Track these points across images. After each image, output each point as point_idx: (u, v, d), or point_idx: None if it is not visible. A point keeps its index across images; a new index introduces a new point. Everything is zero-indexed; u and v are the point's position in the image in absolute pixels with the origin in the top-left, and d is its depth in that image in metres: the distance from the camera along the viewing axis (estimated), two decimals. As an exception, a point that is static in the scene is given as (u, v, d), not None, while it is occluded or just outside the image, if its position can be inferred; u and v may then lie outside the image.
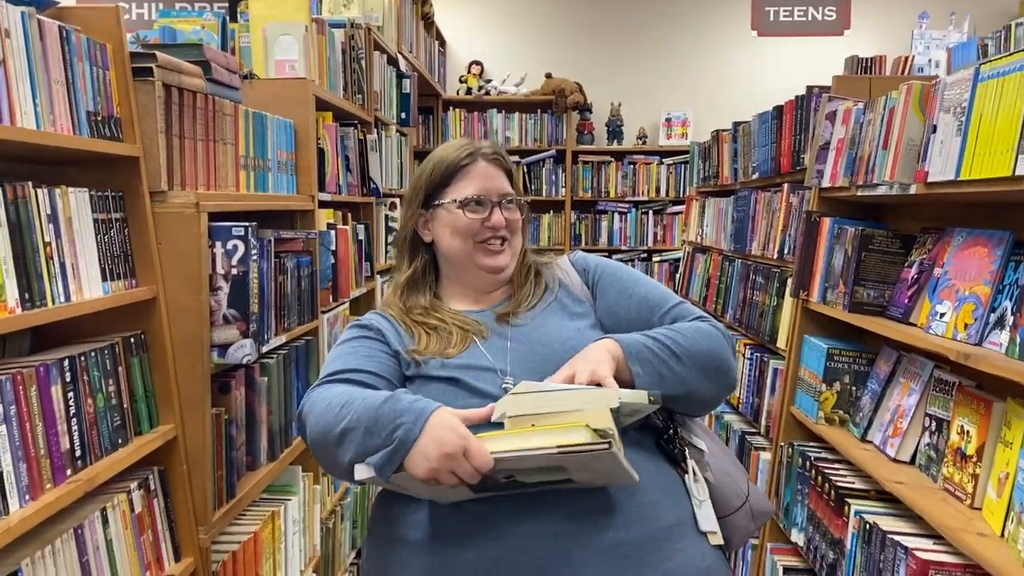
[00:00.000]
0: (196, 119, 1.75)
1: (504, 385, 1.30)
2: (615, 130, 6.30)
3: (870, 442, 2.08)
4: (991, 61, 1.52)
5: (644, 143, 6.32)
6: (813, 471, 2.22)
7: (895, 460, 1.92)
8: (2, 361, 1.33)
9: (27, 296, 1.25)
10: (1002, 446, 1.55)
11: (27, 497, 1.20)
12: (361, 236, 3.10)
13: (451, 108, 6.23)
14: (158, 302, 1.60)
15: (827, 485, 2.11)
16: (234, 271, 1.68)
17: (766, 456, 2.72)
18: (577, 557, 1.19)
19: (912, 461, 1.90)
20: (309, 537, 2.44)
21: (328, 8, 3.44)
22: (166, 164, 1.62)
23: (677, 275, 4.91)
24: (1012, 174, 1.39)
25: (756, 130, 3.16)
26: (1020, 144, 1.38)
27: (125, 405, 1.50)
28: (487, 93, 6.27)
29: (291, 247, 2.25)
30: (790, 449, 2.43)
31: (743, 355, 3.03)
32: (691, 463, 1.36)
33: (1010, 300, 1.59)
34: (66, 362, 1.33)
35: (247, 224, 1.70)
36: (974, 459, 1.63)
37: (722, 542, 1.34)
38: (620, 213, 6.24)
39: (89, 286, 1.42)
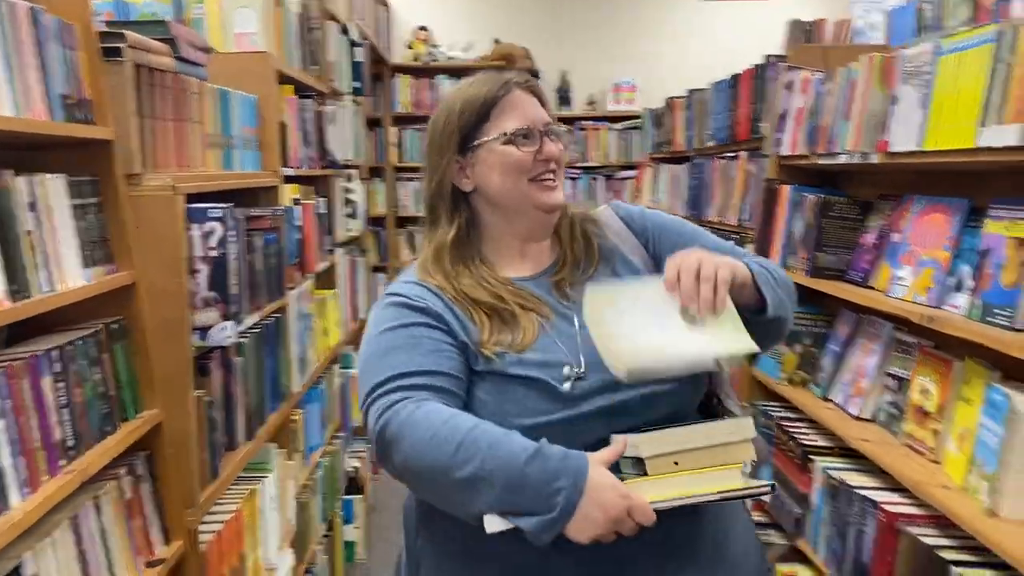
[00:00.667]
0: (166, 99, 1.72)
1: (581, 384, 1.20)
2: (564, 96, 6.31)
3: (831, 401, 2.17)
4: (952, 35, 1.58)
5: (593, 109, 6.35)
6: (777, 429, 2.31)
7: (857, 418, 2.02)
8: (-14, 353, 1.31)
9: (14, 288, 1.23)
10: (962, 403, 1.64)
11: (26, 490, 1.19)
12: (322, 210, 3.08)
13: (399, 74, 6.16)
14: (137, 287, 1.58)
15: (792, 443, 2.20)
16: (213, 253, 1.67)
17: (728, 417, 2.81)
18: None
19: (873, 419, 1.99)
20: (284, 513, 2.45)
21: (278, -24, 3.36)
22: (140, 146, 1.59)
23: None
24: (974, 145, 1.45)
25: (712, 98, 3.22)
26: (982, 116, 1.44)
27: (111, 393, 1.49)
28: (435, 59, 6.21)
29: (260, 225, 2.22)
30: (753, 409, 2.52)
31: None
32: None
33: (968, 265, 1.67)
34: (55, 352, 1.31)
35: (225, 205, 1.68)
36: (935, 416, 1.72)
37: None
38: (571, 179, 6.28)
39: (71, 274, 1.40)
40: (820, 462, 2.04)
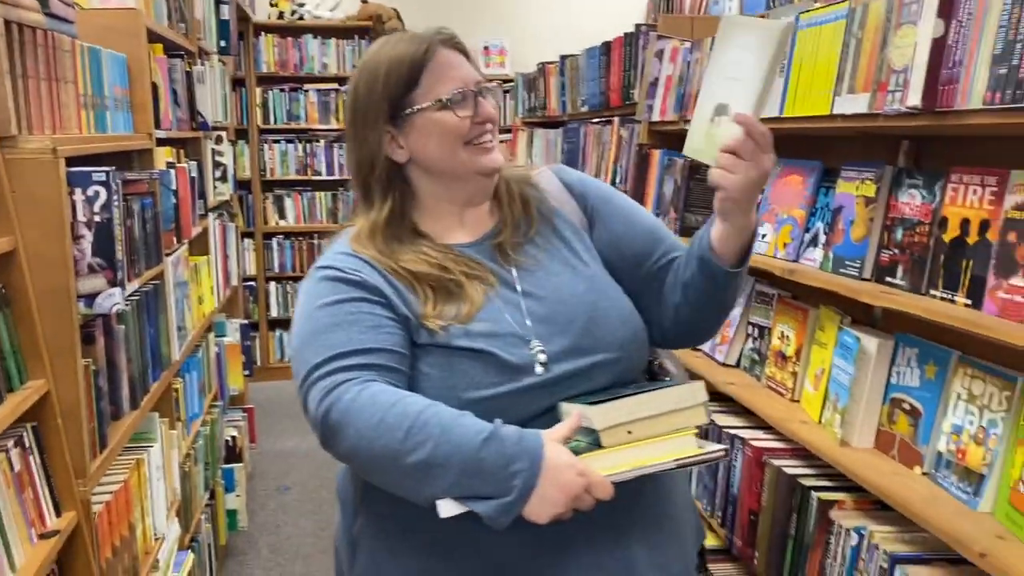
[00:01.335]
0: (38, 57, 1.65)
1: (535, 350, 1.18)
2: (434, 58, 6.29)
3: (699, 350, 2.33)
4: (809, 11, 1.72)
5: (463, 71, 6.36)
6: (652, 380, 2.47)
7: (723, 364, 2.19)
8: None
9: None
10: (817, 347, 1.82)
11: (-81, 464, 1.16)
12: (194, 173, 2.99)
13: (263, 33, 5.97)
14: (17, 254, 1.52)
15: (665, 391, 2.36)
16: (97, 218, 1.63)
17: (605, 369, 2.96)
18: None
19: (737, 364, 2.17)
20: (169, 482, 2.42)
21: (137, -73, 3.20)
22: (14, 107, 1.52)
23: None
24: (830, 112, 1.60)
25: (584, 65, 3.32)
26: (836, 87, 1.59)
27: (-4, 363, 1.44)
28: (300, 18, 6.04)
29: (136, 189, 2.16)
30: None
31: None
32: None
33: (822, 221, 1.84)
34: (-62, 322, 1.26)
35: (108, 169, 1.64)
36: (793, 359, 1.90)
37: None
38: (443, 142, 6.30)
39: (-52, 241, 1.34)
40: (692, 407, 2.20)
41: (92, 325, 1.79)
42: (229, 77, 4.29)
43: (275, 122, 5.99)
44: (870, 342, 1.60)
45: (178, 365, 2.53)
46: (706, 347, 2.29)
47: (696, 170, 2.37)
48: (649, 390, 1.17)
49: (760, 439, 1.86)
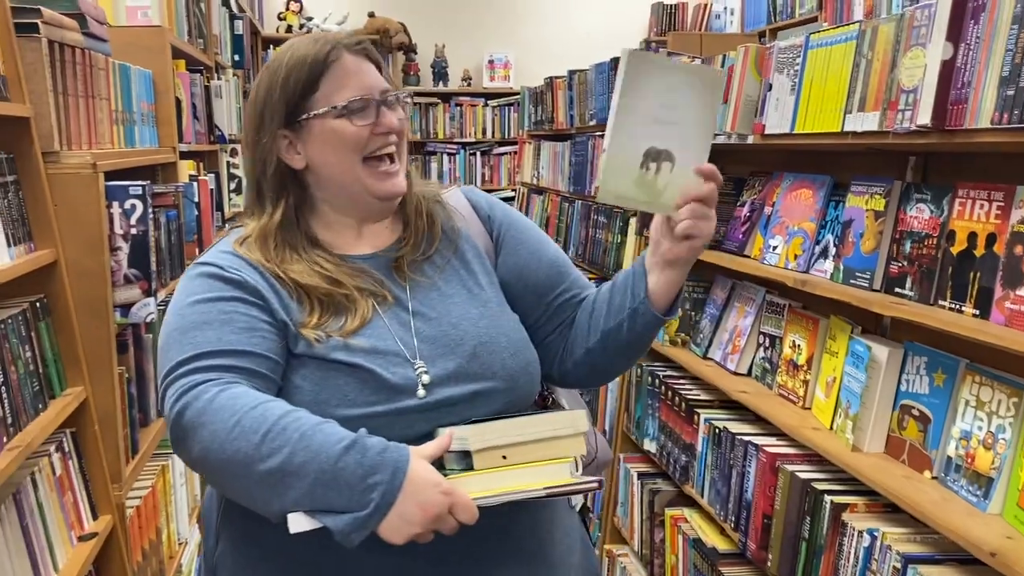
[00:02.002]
0: (77, 75, 1.71)
1: (418, 371, 1.13)
2: (440, 72, 6.37)
3: (711, 359, 2.39)
4: (820, 32, 1.79)
5: (469, 85, 6.45)
6: (663, 387, 2.52)
7: (735, 373, 2.24)
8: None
9: (-48, 267, 1.23)
10: (828, 355, 1.87)
11: (-23, 466, 1.21)
12: (212, 185, 3.05)
13: (272, 46, 6.04)
14: (59, 265, 1.58)
15: (677, 398, 2.41)
16: (133, 231, 1.68)
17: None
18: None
19: (749, 373, 2.22)
20: (191, 488, 2.47)
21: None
22: (57, 124, 1.59)
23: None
24: (841, 129, 1.67)
25: (593, 79, 3.39)
26: (846, 104, 1.66)
27: (40, 370, 1.49)
28: (309, 31, 6.12)
29: (163, 202, 2.22)
30: (639, 369, 2.72)
31: (588, 288, 3.30)
32: None
33: (832, 234, 1.90)
34: (-9, 331, 1.32)
35: (144, 183, 1.70)
36: (804, 368, 1.95)
37: (582, 501, 1.34)
38: (449, 154, 6.38)
39: (-2, 253, 1.40)
40: (704, 414, 2.25)
41: (124, 334, 1.85)
42: (241, 90, 4.36)
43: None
44: (881, 351, 1.65)
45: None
46: (717, 356, 2.35)
47: (706, 183, 2.43)
48: (529, 415, 1.12)
49: (773, 445, 1.91)
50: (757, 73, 2.06)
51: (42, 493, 1.43)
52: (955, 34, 1.34)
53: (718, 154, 2.59)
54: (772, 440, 1.94)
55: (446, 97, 6.36)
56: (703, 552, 2.19)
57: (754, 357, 2.22)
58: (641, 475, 2.68)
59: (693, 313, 2.58)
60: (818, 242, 1.94)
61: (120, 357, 1.80)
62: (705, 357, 2.41)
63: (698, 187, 1.15)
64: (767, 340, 2.16)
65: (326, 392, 1.09)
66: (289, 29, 6.11)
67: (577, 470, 1.09)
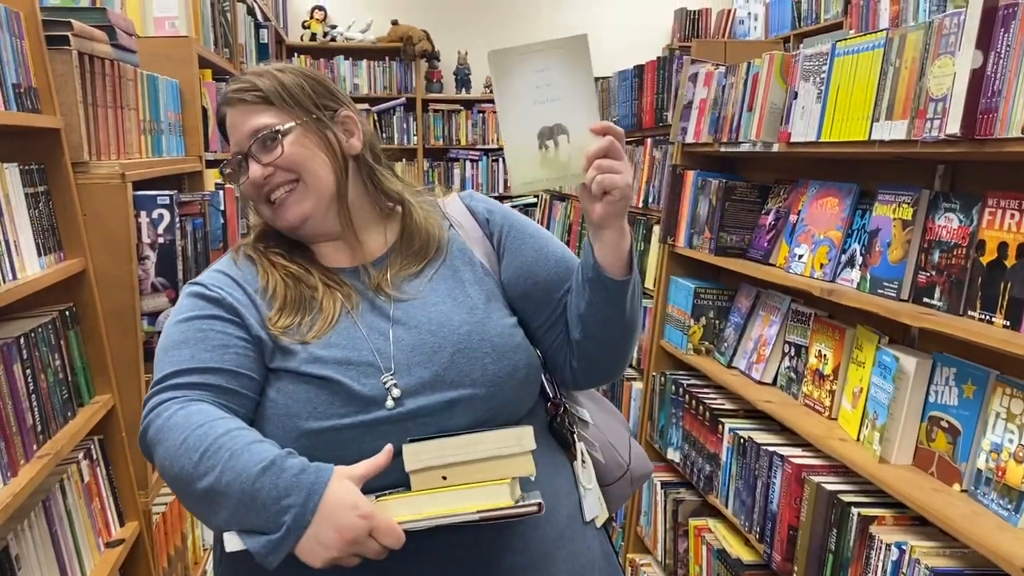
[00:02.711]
0: (106, 86, 1.73)
1: (387, 383, 1.11)
2: (463, 78, 6.39)
3: (735, 368, 2.37)
4: (846, 40, 1.77)
5: (491, 92, 6.46)
6: (687, 396, 2.51)
7: (759, 382, 2.22)
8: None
9: (-15, 276, 1.25)
10: (855, 366, 1.85)
11: (8, 474, 1.22)
12: (237, 193, 3.08)
13: (296, 55, 6.09)
14: (88, 274, 1.60)
15: (701, 407, 2.40)
16: (161, 240, 1.70)
17: (638, 386, 3.00)
18: None
19: (774, 383, 2.21)
20: (215, 494, 2.49)
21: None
22: (86, 134, 1.61)
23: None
24: (868, 138, 1.65)
25: (616, 86, 3.38)
26: (874, 112, 1.64)
27: (69, 378, 1.51)
28: (332, 39, 6.17)
29: (189, 210, 2.24)
30: (662, 378, 2.71)
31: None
32: (580, 447, 1.28)
33: (858, 243, 1.88)
34: (22, 339, 1.34)
35: (171, 192, 1.71)
36: (831, 378, 1.94)
37: (606, 516, 1.30)
38: (471, 161, 6.39)
39: (29, 262, 1.42)
40: (728, 423, 2.23)
41: (151, 342, 1.86)
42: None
43: (307, 141, 6.09)
44: (909, 361, 1.63)
45: (224, 380, 2.60)
46: (741, 365, 2.33)
47: (732, 191, 2.42)
48: (475, 432, 1.09)
49: (799, 456, 1.89)
50: (783, 81, 2.05)
51: (71, 500, 1.45)
52: (985, 42, 1.32)
53: (742, 161, 2.59)
54: (798, 451, 1.92)
55: (469, 104, 6.38)
56: (727, 563, 2.18)
57: (779, 367, 2.20)
58: (665, 484, 2.66)
59: (717, 321, 2.57)
60: (844, 251, 1.93)
61: (147, 365, 1.81)
62: (730, 366, 2.39)
63: (597, 143, 1.14)
64: (792, 349, 2.14)
65: (296, 405, 1.09)
66: (313, 37, 6.16)
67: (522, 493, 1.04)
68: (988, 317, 1.42)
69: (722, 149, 2.38)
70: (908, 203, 1.68)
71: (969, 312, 1.47)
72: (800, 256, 2.08)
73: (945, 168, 1.69)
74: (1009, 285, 1.39)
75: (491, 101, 6.43)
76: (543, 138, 1.15)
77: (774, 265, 2.21)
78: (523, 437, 1.07)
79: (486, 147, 6.40)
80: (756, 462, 2.04)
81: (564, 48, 1.16)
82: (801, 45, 2.01)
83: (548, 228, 4.49)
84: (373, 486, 1.03)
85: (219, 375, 1.08)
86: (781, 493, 1.90)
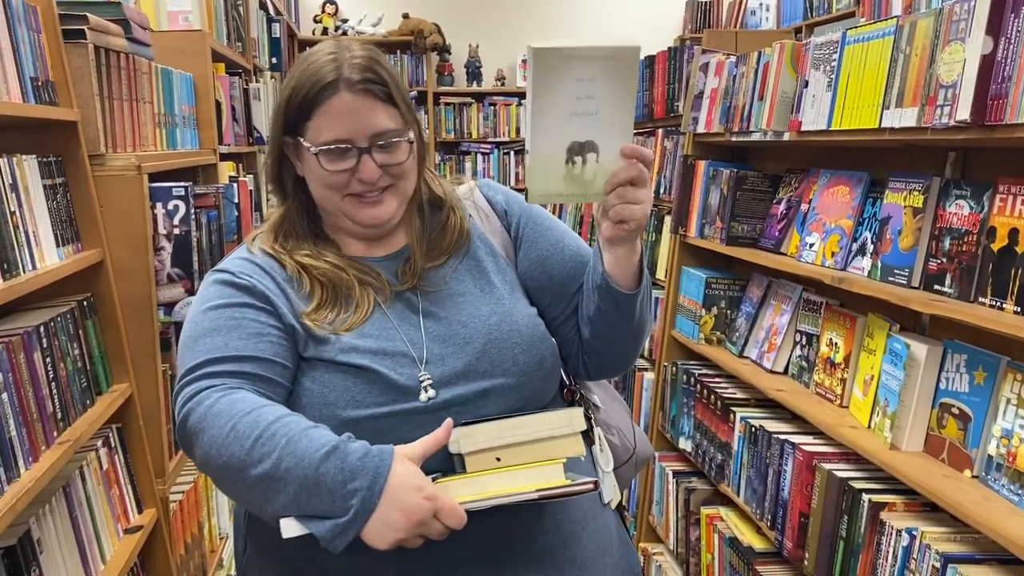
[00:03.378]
0: (121, 79, 1.75)
1: (423, 375, 1.13)
2: (474, 72, 6.40)
3: (747, 357, 2.38)
4: (857, 28, 1.77)
5: (503, 84, 6.47)
6: (698, 385, 2.51)
7: (771, 371, 2.23)
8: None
9: (5, 267, 1.27)
10: (866, 353, 1.86)
11: (30, 459, 1.25)
12: (251, 186, 3.10)
13: (308, 48, 6.11)
14: (105, 265, 1.63)
15: (712, 396, 2.41)
16: (176, 231, 1.72)
17: (650, 375, 3.01)
18: (510, 571, 1.12)
19: (785, 371, 2.21)
20: (231, 484, 2.52)
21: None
22: (103, 127, 1.63)
23: (544, 213, 5.14)
24: (878, 126, 1.65)
25: (627, 76, 3.39)
26: (884, 100, 1.64)
27: (88, 367, 1.54)
28: (344, 33, 6.19)
29: (204, 203, 2.26)
30: (674, 368, 2.72)
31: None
32: (597, 431, 1.30)
33: (869, 231, 1.88)
34: (41, 328, 1.36)
35: (186, 184, 1.73)
36: (842, 366, 1.94)
37: (619, 498, 1.32)
38: (483, 154, 6.40)
39: (48, 253, 1.44)
40: (740, 412, 2.24)
41: (168, 332, 1.89)
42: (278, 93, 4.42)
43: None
44: (920, 348, 1.64)
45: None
46: (753, 354, 2.34)
47: (743, 180, 2.42)
48: (527, 414, 1.11)
49: (810, 444, 1.89)
50: (793, 70, 2.05)
51: (90, 486, 1.47)
52: (995, 28, 1.32)
53: (753, 151, 2.59)
54: (809, 439, 1.93)
55: (480, 97, 6.38)
56: (739, 551, 2.19)
57: (790, 355, 2.21)
58: (676, 473, 2.67)
59: (729, 311, 2.57)
60: (855, 239, 1.93)
61: (163, 355, 1.84)
62: (741, 355, 2.40)
63: (625, 170, 1.12)
64: (804, 338, 2.14)
65: (334, 394, 1.10)
66: (324, 32, 6.17)
67: (598, 463, 1.09)
68: (999, 303, 1.43)
69: (733, 139, 2.38)
70: (919, 190, 1.68)
71: (980, 299, 1.47)
72: (811, 245, 2.08)
73: (956, 155, 1.69)
74: (1020, 271, 1.39)
75: (502, 94, 6.44)
76: (572, 153, 1.12)
77: (785, 254, 2.21)
78: (574, 418, 1.10)
79: (497, 140, 6.41)
80: (767, 450, 2.05)
81: (614, 59, 1.08)
82: (813, 34, 2.00)
83: (560, 218, 4.49)
84: None
85: (255, 363, 1.07)
86: (792, 481, 1.91)
